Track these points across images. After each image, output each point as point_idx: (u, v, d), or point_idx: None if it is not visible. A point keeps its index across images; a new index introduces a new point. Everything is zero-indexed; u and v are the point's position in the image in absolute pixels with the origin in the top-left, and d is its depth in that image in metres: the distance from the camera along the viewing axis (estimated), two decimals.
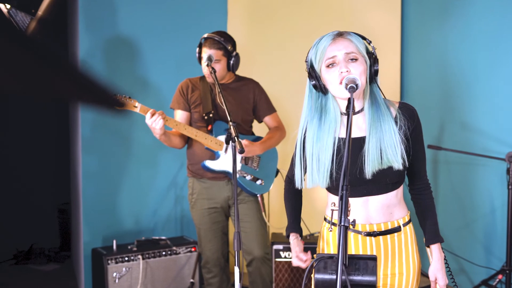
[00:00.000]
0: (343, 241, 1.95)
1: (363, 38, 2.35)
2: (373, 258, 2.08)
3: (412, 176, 2.49)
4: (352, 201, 2.37)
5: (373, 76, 2.35)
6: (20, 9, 4.03)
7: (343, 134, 2.36)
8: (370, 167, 2.29)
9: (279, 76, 5.18)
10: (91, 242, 4.62)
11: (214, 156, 3.86)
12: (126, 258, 4.30)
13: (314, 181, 2.38)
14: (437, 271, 2.46)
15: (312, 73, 2.34)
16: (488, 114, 4.70)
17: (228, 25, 5.24)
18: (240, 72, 4.11)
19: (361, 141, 2.33)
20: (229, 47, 3.81)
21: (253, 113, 4.01)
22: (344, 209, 1.98)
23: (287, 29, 5.34)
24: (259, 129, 4.28)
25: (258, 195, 3.96)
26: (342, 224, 1.96)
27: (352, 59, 2.27)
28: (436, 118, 5.08)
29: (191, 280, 4.48)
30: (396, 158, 2.29)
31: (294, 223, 2.66)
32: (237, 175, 3.86)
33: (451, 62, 4.97)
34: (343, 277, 1.96)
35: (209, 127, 3.84)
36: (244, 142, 3.75)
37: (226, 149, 3.83)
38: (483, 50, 4.69)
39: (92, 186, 4.64)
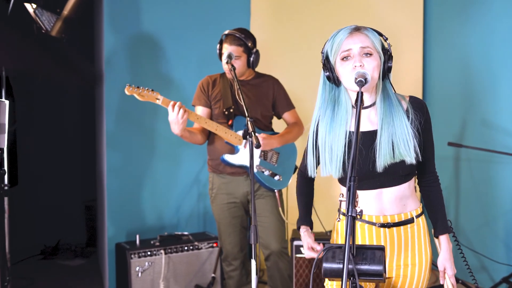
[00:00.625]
0: (350, 231, 2.00)
1: (380, 34, 2.38)
2: (381, 248, 2.12)
3: (421, 169, 2.51)
4: (366, 193, 2.43)
5: (386, 72, 2.38)
6: (45, 9, 4.14)
7: (353, 128, 2.40)
8: (382, 161, 2.33)
9: (299, 74, 5.22)
10: (115, 237, 4.71)
11: (233, 150, 3.92)
12: (149, 253, 4.39)
13: (327, 171, 2.42)
14: (445, 261, 2.50)
15: (327, 65, 2.38)
16: (509, 112, 4.69)
17: (251, 23, 5.30)
18: (261, 69, 4.16)
19: (373, 134, 2.38)
20: (250, 44, 3.86)
21: (272, 109, 4.06)
22: (351, 199, 2.02)
23: (309, 28, 5.38)
24: (279, 126, 4.33)
25: (275, 190, 4.01)
26: (350, 214, 2.01)
27: (366, 54, 2.31)
28: (458, 116, 5.08)
29: (213, 275, 4.55)
30: (408, 152, 2.33)
31: (305, 216, 2.70)
32: (256, 170, 3.92)
33: (472, 60, 4.96)
34: (350, 266, 2.01)
35: (230, 122, 3.91)
36: (262, 135, 3.81)
37: (246, 143, 3.89)
38: (504, 48, 4.68)
39: (116, 182, 4.74)
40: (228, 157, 3.89)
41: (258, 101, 3.97)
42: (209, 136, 4.01)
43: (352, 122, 2.40)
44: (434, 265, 2.58)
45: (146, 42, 4.85)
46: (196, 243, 4.56)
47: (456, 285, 2.54)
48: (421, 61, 5.41)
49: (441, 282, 2.56)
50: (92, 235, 6.30)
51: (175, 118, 3.60)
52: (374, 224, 2.45)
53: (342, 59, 2.33)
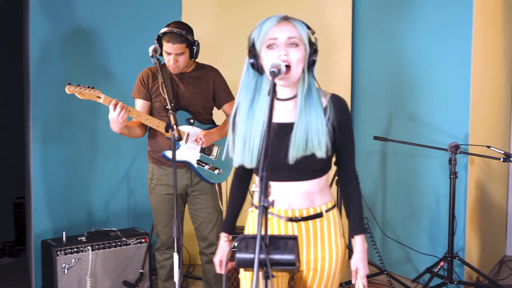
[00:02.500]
0: (262, 220, 2.01)
1: (308, 27, 2.38)
2: (294, 238, 2.13)
3: (340, 167, 2.53)
4: (275, 185, 2.41)
5: (310, 65, 2.39)
6: None
7: (273, 119, 2.39)
8: (295, 152, 2.32)
9: (235, 66, 5.19)
10: (42, 234, 4.63)
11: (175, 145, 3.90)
12: (75, 249, 4.32)
13: (241, 160, 2.42)
14: (358, 261, 2.49)
15: (252, 52, 2.37)
16: (433, 106, 4.81)
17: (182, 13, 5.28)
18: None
19: (289, 127, 2.37)
20: (190, 38, 3.82)
21: (212, 100, 4.06)
22: (264, 189, 2.04)
23: (239, 22, 5.37)
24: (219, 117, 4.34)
25: (215, 184, 4.02)
26: (262, 204, 2.02)
27: (292, 44, 2.31)
28: (385, 110, 5.19)
29: (141, 271, 4.52)
30: (320, 146, 2.32)
31: (230, 221, 2.68)
32: (196, 165, 3.92)
33: (399, 56, 5.07)
34: (262, 256, 2.03)
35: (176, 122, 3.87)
36: (203, 132, 3.84)
37: (187, 139, 3.88)
38: (430, 44, 4.80)
39: (43, 178, 4.66)
40: (169, 153, 3.87)
41: (199, 93, 3.95)
42: (150, 128, 3.95)
43: (273, 113, 2.41)
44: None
45: (81, 35, 4.77)
46: (124, 239, 4.52)
47: (367, 286, 2.53)
48: (350, 57, 5.50)
49: (353, 282, 2.55)
50: (21, 234, 6.17)
51: (115, 117, 3.56)
52: (281, 217, 2.44)
53: (268, 47, 2.33)
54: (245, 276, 2.51)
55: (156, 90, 3.90)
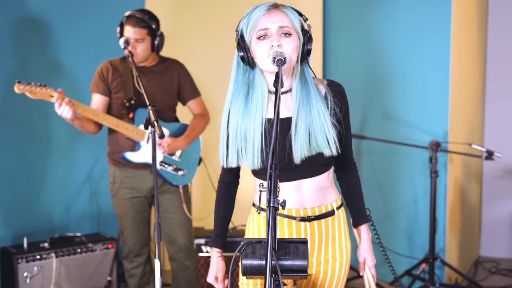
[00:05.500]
0: (272, 223, 1.82)
1: (300, 14, 2.21)
2: (304, 242, 1.96)
3: (338, 157, 2.36)
4: (284, 185, 2.24)
5: (305, 55, 2.21)
6: None
7: (270, 115, 2.22)
8: (299, 153, 2.17)
9: (202, 61, 4.99)
10: (0, 241, 4.31)
11: (135, 146, 3.67)
12: (38, 257, 4.04)
13: (239, 161, 2.23)
14: (365, 251, 2.42)
15: (242, 44, 2.19)
16: (410, 103, 4.69)
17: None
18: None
19: (289, 121, 2.20)
20: (154, 26, 3.61)
21: (177, 96, 3.84)
22: (273, 189, 1.85)
23: (210, 10, 5.15)
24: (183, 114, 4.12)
25: (180, 186, 3.80)
26: (272, 205, 1.83)
27: (285, 34, 2.14)
28: (359, 107, 5.04)
29: (108, 278, 4.26)
30: (326, 145, 2.17)
31: (220, 236, 2.44)
32: (158, 167, 3.70)
33: (374, 51, 4.94)
34: (273, 262, 1.83)
35: (131, 115, 3.64)
36: (167, 140, 3.63)
37: (148, 139, 3.65)
38: (407, 40, 4.68)
39: (0, 182, 4.33)
40: (130, 155, 3.64)
41: (162, 89, 3.72)
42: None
43: (269, 108, 2.22)
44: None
45: (32, 24, 4.45)
46: (90, 244, 4.26)
47: (376, 276, 2.44)
48: (321, 54, 5.33)
49: (361, 274, 2.45)
50: None
51: (60, 113, 3.36)
52: (294, 218, 2.27)
53: (259, 38, 2.14)
54: (248, 283, 2.30)
55: (116, 85, 3.66)
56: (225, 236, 2.45)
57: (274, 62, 2.04)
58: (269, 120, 2.21)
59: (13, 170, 4.38)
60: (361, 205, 2.43)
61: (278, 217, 2.29)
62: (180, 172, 3.77)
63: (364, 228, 2.43)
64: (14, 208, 4.41)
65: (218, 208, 2.45)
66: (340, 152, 2.23)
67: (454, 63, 4.48)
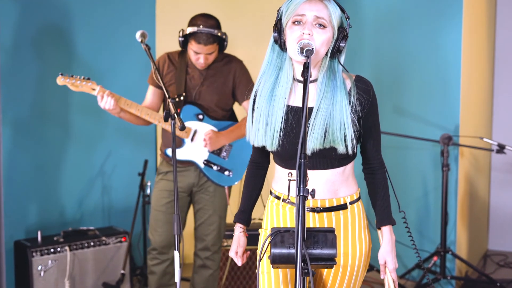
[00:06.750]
0: (303, 212, 1.84)
1: (343, 10, 2.21)
2: (332, 231, 1.98)
3: (364, 155, 2.38)
4: (294, 173, 2.24)
5: (335, 52, 2.22)
6: None
7: (292, 102, 2.24)
8: (312, 144, 2.17)
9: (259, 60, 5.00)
10: (14, 235, 4.32)
11: (180, 143, 3.62)
12: (52, 250, 4.05)
13: (259, 141, 2.26)
14: (386, 254, 2.34)
15: (278, 25, 2.20)
16: (420, 98, 4.71)
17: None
18: None
19: (309, 111, 2.20)
20: (220, 34, 3.51)
21: (232, 96, 3.71)
22: (302, 178, 1.87)
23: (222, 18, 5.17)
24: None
25: (225, 186, 3.75)
26: (301, 194, 1.85)
27: (319, 25, 2.14)
28: None
29: (122, 272, 4.27)
30: (341, 141, 2.17)
31: (245, 211, 2.50)
32: (202, 166, 3.65)
33: (385, 46, 4.95)
34: (303, 251, 1.85)
35: (178, 111, 3.58)
36: (208, 132, 3.55)
37: (193, 136, 3.62)
38: (418, 35, 4.69)
39: (13, 174, 4.34)
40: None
41: (214, 88, 3.63)
42: None
43: (292, 96, 2.24)
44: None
45: (55, 28, 4.48)
46: (103, 238, 4.27)
47: (397, 280, 2.38)
48: None
49: (381, 277, 2.40)
50: None
51: (102, 106, 3.35)
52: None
53: (294, 22, 2.15)
54: (268, 272, 2.32)
55: (170, 79, 3.62)
56: (250, 213, 2.50)
57: (301, 52, 2.05)
58: (289, 106, 2.23)
59: (25, 163, 4.40)
60: (385, 206, 2.36)
61: (289, 206, 2.32)
62: (226, 173, 3.70)
63: (386, 230, 2.36)
64: (28, 202, 4.43)
65: (246, 185, 2.52)
66: (355, 152, 2.24)
67: (465, 58, 4.51)
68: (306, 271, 1.85)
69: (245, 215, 2.50)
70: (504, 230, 5.59)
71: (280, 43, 2.21)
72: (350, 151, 2.20)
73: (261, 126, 2.24)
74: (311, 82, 2.23)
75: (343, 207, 2.31)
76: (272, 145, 2.23)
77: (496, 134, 5.52)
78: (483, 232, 5.52)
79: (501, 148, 4.20)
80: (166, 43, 4.73)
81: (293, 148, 2.21)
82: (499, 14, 5.51)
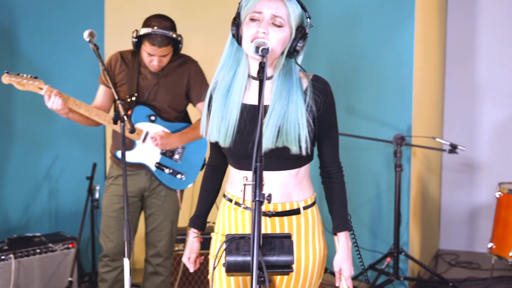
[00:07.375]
0: (258, 218, 1.77)
1: (304, 10, 2.16)
2: (288, 236, 1.92)
3: (321, 157, 2.30)
4: (248, 174, 2.05)
5: (292, 51, 2.16)
6: None
7: (246, 99, 2.18)
8: (264, 143, 2.09)
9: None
10: None
11: (131, 145, 3.49)
12: None
13: (214, 136, 2.20)
14: (342, 260, 2.27)
15: (237, 20, 2.14)
16: (373, 98, 4.70)
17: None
18: None
19: (264, 110, 2.12)
20: (175, 35, 3.40)
21: (186, 97, 3.61)
22: (258, 182, 1.79)
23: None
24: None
25: (177, 190, 3.64)
26: (257, 199, 1.78)
27: (276, 24, 2.08)
28: None
29: (69, 279, 4.13)
30: (295, 142, 2.11)
31: (199, 217, 2.43)
32: (154, 169, 3.54)
33: (339, 46, 4.91)
34: (259, 258, 1.78)
35: (129, 112, 3.44)
36: (160, 133, 3.45)
37: (145, 138, 3.50)
38: (372, 35, 4.68)
39: None
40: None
41: (168, 89, 3.51)
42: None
43: (246, 93, 2.18)
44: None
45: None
46: (50, 244, 4.13)
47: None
48: None
49: (337, 284, 2.32)
50: None
51: (50, 106, 3.21)
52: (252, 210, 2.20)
53: (251, 19, 2.09)
54: (220, 278, 2.24)
55: (122, 78, 3.50)
56: (205, 217, 2.44)
57: (257, 51, 1.99)
58: (243, 104, 2.17)
59: None
60: (342, 212, 2.28)
61: (240, 209, 2.26)
62: (178, 176, 3.59)
63: (342, 236, 2.27)
64: None
65: (202, 189, 2.46)
66: (309, 153, 2.17)
67: (418, 59, 4.52)
68: (262, 279, 1.78)
69: (200, 220, 2.43)
70: (455, 230, 5.64)
71: (238, 38, 2.14)
72: (303, 152, 2.13)
73: (216, 120, 2.18)
74: (266, 79, 2.16)
75: (296, 212, 2.24)
76: (225, 141, 2.17)
77: (446, 134, 5.57)
78: (435, 232, 5.55)
79: (453, 148, 4.22)
80: (116, 42, 4.60)
81: (245, 146, 2.16)
82: (450, 16, 5.57)
